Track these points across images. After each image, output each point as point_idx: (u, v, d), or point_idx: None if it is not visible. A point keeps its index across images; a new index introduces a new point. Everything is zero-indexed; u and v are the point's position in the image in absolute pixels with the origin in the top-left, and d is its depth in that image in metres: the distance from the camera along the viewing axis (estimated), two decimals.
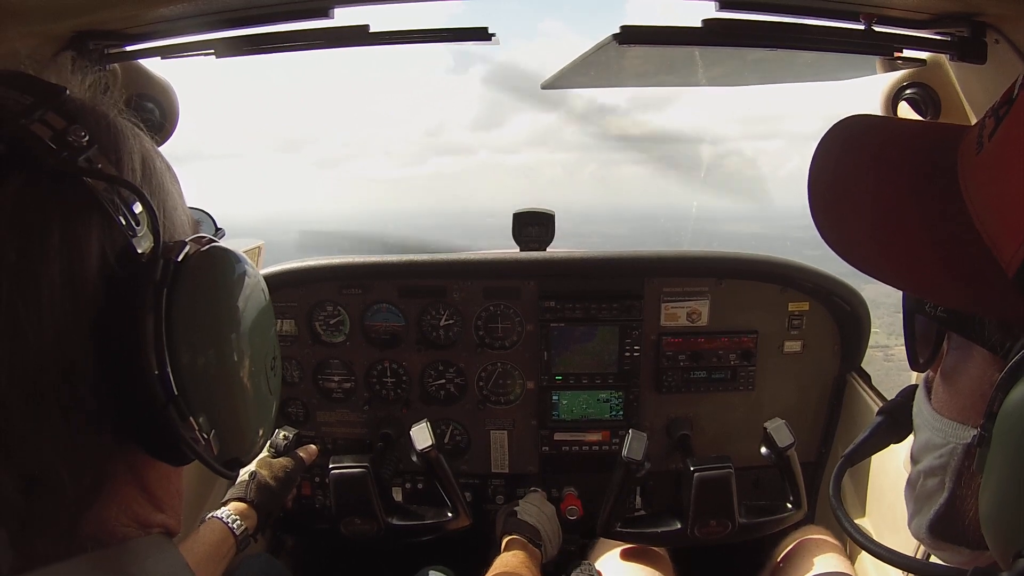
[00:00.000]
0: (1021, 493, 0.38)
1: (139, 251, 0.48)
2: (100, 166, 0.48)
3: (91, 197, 0.46)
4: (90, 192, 0.46)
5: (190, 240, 0.53)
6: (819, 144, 0.52)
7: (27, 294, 0.43)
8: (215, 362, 0.52)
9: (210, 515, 1.35)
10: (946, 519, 0.49)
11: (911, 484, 0.53)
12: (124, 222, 0.47)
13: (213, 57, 1.13)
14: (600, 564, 1.56)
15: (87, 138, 0.47)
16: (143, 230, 0.48)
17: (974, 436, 0.46)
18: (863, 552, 1.60)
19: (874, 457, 1.57)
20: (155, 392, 0.47)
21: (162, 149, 0.59)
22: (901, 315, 0.56)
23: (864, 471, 1.67)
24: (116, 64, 1.21)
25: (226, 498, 1.42)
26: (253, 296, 0.56)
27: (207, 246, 0.54)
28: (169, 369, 0.48)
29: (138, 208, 0.48)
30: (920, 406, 0.53)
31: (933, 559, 0.55)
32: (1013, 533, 0.40)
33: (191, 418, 0.49)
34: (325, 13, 1.06)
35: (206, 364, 0.51)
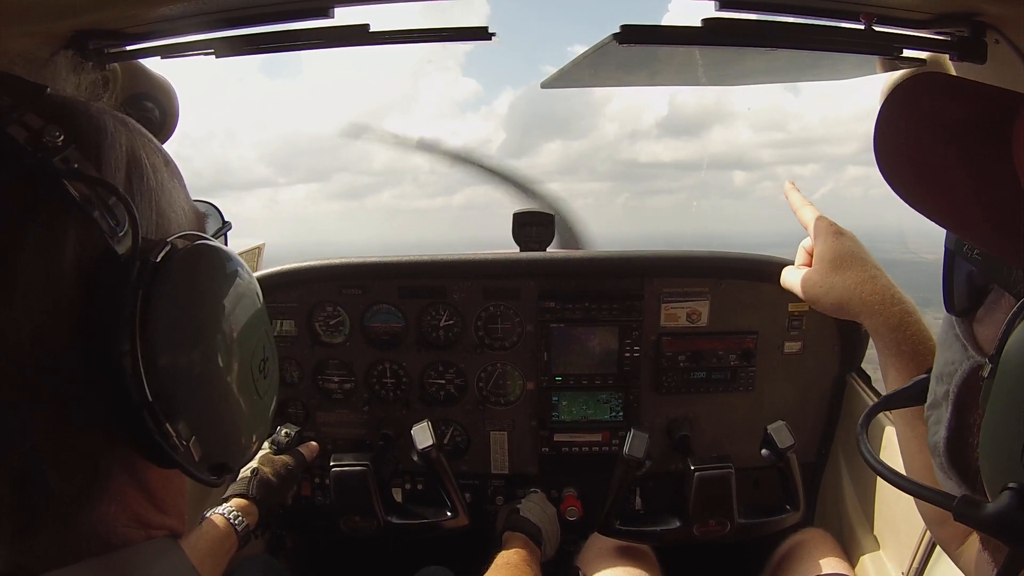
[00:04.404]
0: (1015, 426, 0.40)
1: (119, 251, 0.47)
2: (77, 166, 0.46)
3: (68, 198, 0.45)
4: (66, 193, 0.45)
5: (175, 238, 0.51)
6: (888, 96, 0.54)
7: (1, 295, 0.43)
8: (194, 365, 0.50)
9: (211, 512, 1.35)
10: (954, 441, 0.52)
11: (928, 407, 0.56)
12: (104, 222, 0.46)
13: (213, 57, 1.13)
14: (588, 564, 1.56)
15: (62, 138, 0.46)
16: (124, 230, 0.47)
17: (973, 360, 0.50)
18: (862, 553, 1.60)
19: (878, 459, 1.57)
20: (129, 397, 0.46)
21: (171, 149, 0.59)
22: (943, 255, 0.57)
23: (867, 473, 1.67)
24: (116, 64, 1.21)
25: (227, 494, 1.43)
26: (238, 295, 0.54)
27: (192, 244, 0.52)
28: (143, 373, 0.46)
29: (119, 207, 0.47)
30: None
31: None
32: (1004, 466, 0.41)
33: (167, 424, 0.48)
34: (325, 13, 1.05)
35: (185, 367, 0.49)
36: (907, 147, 0.51)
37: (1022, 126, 0.45)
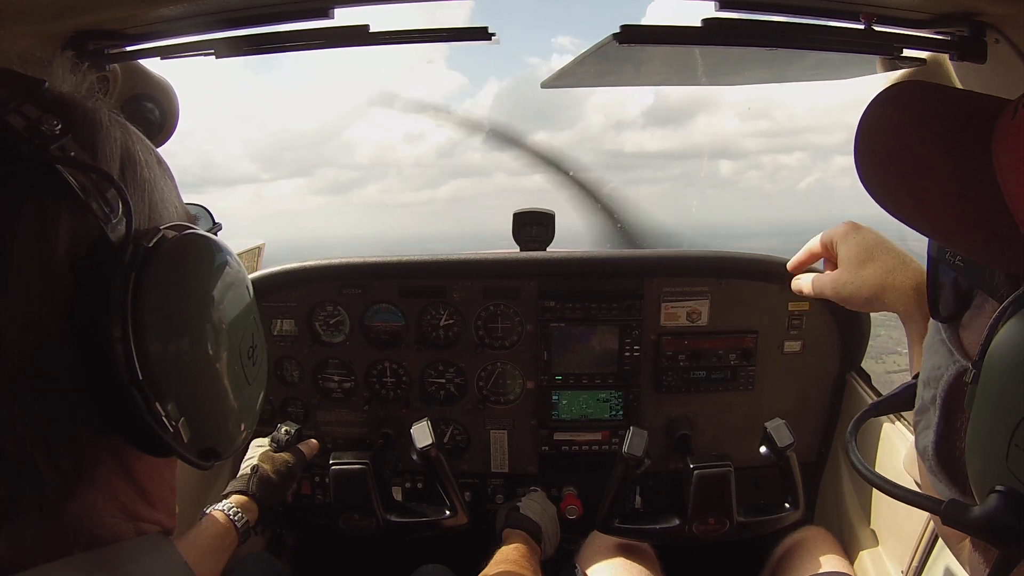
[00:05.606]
0: (1000, 429, 0.40)
1: (112, 238, 0.48)
2: (73, 154, 0.48)
3: (63, 184, 0.46)
4: (62, 180, 0.46)
5: (167, 227, 0.52)
6: (872, 101, 0.55)
7: None
8: (183, 348, 0.51)
9: (211, 508, 1.36)
10: (942, 445, 0.52)
11: (916, 412, 0.57)
12: (98, 209, 0.47)
13: (213, 57, 1.13)
14: (588, 562, 1.56)
15: (60, 127, 0.47)
16: (118, 217, 0.48)
17: (959, 365, 0.50)
18: (862, 552, 1.61)
19: (876, 460, 1.58)
20: (119, 376, 0.47)
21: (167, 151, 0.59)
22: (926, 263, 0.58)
23: None
24: (116, 64, 1.21)
25: (227, 491, 1.43)
26: (227, 284, 0.56)
27: (182, 233, 0.53)
28: (134, 353, 0.47)
29: (113, 196, 0.48)
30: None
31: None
32: (990, 469, 0.42)
33: (156, 403, 0.49)
34: (325, 13, 1.05)
35: (174, 350, 0.50)
36: (891, 159, 0.51)
37: (1002, 132, 0.46)
